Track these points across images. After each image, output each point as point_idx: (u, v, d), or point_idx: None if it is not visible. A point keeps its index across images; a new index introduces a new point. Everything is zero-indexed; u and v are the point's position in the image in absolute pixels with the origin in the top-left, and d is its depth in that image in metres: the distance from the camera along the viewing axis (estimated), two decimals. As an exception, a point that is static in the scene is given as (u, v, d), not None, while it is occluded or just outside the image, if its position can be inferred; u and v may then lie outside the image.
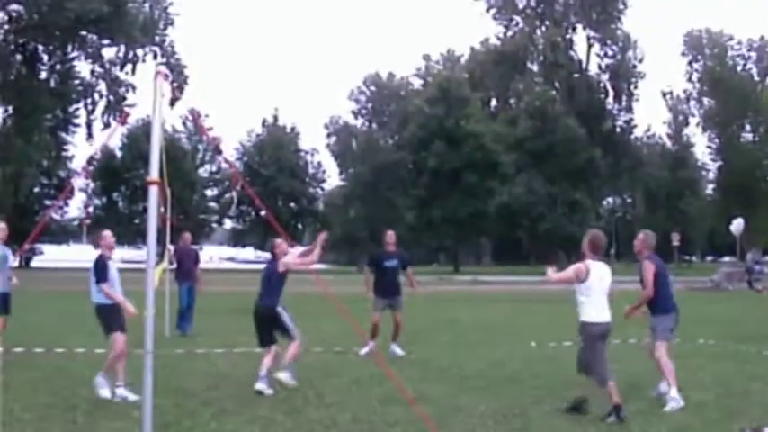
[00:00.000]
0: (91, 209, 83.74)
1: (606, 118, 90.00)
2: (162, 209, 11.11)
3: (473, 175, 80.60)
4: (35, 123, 63.85)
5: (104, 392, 10.22)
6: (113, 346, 10.56)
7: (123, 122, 8.39)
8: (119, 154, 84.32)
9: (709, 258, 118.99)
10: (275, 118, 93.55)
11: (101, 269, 10.67)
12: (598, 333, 9.36)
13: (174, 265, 18.70)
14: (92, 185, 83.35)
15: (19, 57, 63.50)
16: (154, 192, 6.57)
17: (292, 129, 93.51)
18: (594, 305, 9.35)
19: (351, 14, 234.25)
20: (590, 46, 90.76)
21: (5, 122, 65.50)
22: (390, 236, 15.20)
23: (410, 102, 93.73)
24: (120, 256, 67.37)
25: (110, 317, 10.58)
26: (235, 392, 10.85)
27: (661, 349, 10.50)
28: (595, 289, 9.38)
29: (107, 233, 11.14)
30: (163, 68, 6.75)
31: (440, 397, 10.56)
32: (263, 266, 12.26)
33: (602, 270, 9.57)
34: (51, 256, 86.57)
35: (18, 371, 12.54)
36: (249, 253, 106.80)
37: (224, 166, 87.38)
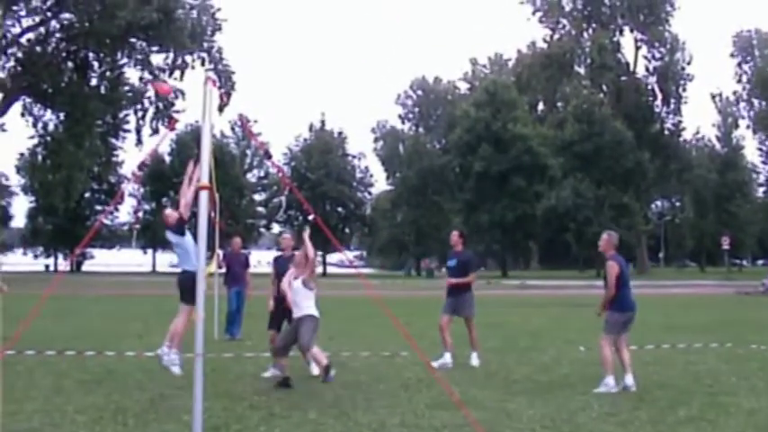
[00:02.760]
0: (140, 214, 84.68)
1: (654, 120, 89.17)
2: (212, 213, 11.48)
3: (520, 178, 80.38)
4: (86, 129, 64.57)
5: (177, 370, 10.32)
6: (185, 316, 11.44)
7: (172, 128, 8.46)
8: (168, 159, 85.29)
9: (760, 262, 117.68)
10: (322, 122, 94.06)
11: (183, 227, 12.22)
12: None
13: (224, 270, 18.82)
14: (141, 190, 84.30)
15: (70, 64, 64.27)
16: (204, 196, 6.63)
17: (339, 133, 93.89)
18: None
19: (398, 19, 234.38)
20: (637, 48, 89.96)
21: (57, 128, 66.34)
22: (452, 236, 14.87)
23: (457, 105, 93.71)
24: (169, 260, 68.16)
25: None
26: (283, 396, 10.90)
27: (604, 341, 11.64)
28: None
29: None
30: (212, 75, 6.82)
31: (487, 401, 10.53)
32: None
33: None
34: (101, 260, 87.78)
35: (70, 373, 12.73)
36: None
37: (272, 170, 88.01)
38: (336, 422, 9.21)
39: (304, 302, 11.67)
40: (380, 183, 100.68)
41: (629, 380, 11.49)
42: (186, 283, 11.30)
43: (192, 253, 11.62)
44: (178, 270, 12.69)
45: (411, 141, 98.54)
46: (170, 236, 12.63)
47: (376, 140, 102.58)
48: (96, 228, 64.49)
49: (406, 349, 14.98)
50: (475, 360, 14.23)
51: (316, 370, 12.39)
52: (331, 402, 10.43)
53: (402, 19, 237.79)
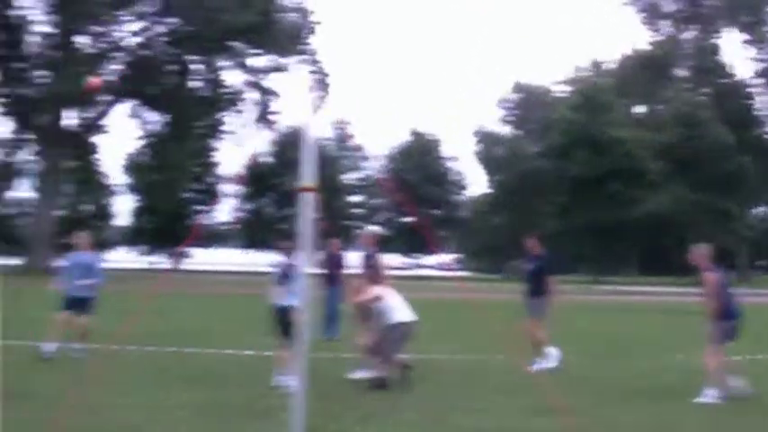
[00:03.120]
0: (240, 214, 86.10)
1: (756, 124, 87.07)
2: (317, 216, 11.61)
3: (617, 182, 79.23)
4: (187, 131, 65.90)
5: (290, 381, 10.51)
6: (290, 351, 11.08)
7: (271, 130, 8.59)
8: (267, 160, 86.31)
9: None
10: (421, 125, 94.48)
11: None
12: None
13: (324, 271, 18.96)
14: (241, 191, 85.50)
15: (173, 67, 65.56)
16: (309, 198, 6.70)
17: (436, 137, 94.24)
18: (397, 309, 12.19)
19: (500, 23, 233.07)
20: (739, 50, 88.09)
21: (161, 130, 67.77)
22: (529, 241, 14.82)
23: (556, 109, 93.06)
24: (272, 260, 68.92)
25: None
26: (381, 397, 10.96)
27: (709, 351, 11.49)
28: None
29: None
30: (315, 78, 6.92)
31: (584, 408, 10.41)
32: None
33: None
34: (199, 259, 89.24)
35: (171, 369, 13.00)
36: (395, 259, 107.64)
37: (370, 172, 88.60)
38: (433, 424, 9.23)
39: (386, 315, 12.11)
40: (482, 186, 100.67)
41: (737, 381, 11.39)
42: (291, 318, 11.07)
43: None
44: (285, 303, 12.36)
45: (509, 144, 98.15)
46: (290, 270, 12.49)
47: (478, 143, 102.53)
48: (198, 229, 65.57)
49: (502, 353, 14.92)
50: (553, 361, 14.00)
51: (360, 374, 12.45)
52: (428, 405, 10.45)
53: (504, 23, 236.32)
